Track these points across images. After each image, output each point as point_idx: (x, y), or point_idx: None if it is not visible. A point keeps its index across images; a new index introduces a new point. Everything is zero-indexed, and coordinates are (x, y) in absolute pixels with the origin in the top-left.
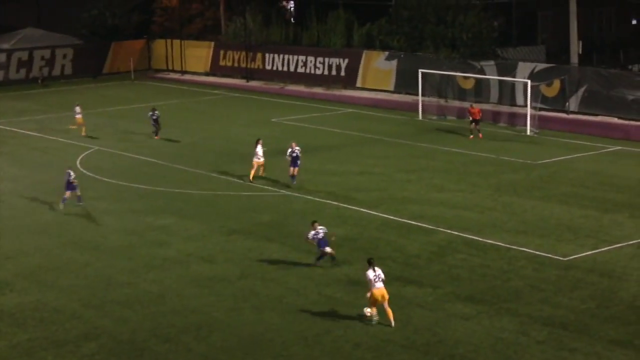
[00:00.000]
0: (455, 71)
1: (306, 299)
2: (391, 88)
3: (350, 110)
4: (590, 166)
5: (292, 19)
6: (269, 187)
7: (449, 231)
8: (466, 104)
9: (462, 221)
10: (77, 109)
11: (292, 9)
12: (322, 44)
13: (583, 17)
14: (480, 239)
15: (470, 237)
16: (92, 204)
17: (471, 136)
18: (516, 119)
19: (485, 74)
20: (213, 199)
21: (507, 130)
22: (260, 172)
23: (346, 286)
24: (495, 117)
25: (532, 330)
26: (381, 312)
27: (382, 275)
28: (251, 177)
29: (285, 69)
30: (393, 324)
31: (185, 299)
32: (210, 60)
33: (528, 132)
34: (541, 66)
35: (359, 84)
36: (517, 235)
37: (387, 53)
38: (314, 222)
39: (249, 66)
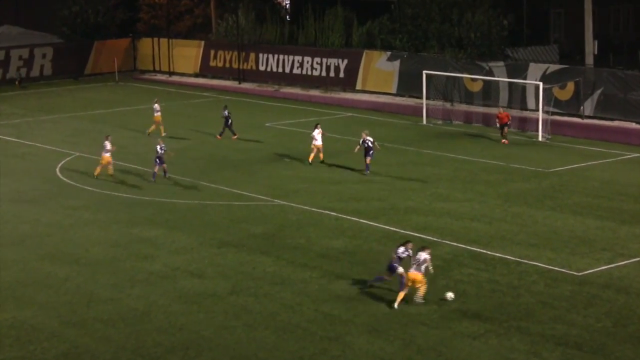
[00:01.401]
0: (462, 73)
1: (302, 316)
2: (393, 90)
3: (350, 114)
4: (606, 174)
5: (287, 17)
6: (263, 197)
7: (455, 244)
8: (473, 108)
9: (469, 233)
10: (157, 106)
11: (287, 6)
12: (320, 43)
13: (598, 15)
14: (489, 252)
15: (478, 250)
16: (73, 213)
17: (503, 140)
18: (527, 124)
19: (494, 76)
20: (202, 209)
21: (518, 136)
22: (320, 157)
23: (345, 302)
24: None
25: (544, 351)
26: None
27: (423, 258)
28: (310, 160)
29: (280, 70)
30: (417, 299)
31: (172, 316)
32: (199, 61)
33: (540, 138)
34: (554, 67)
35: (358, 86)
36: (527, 249)
37: (389, 53)
38: (407, 242)
39: (241, 67)
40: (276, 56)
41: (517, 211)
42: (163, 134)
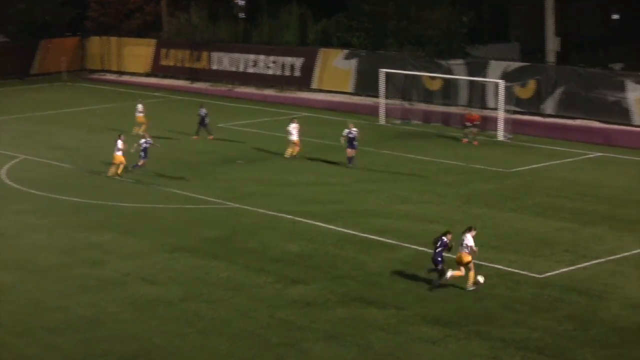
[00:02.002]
0: (421, 71)
1: (256, 322)
2: (350, 89)
3: (306, 114)
4: (568, 174)
5: (241, 15)
6: (216, 200)
7: (414, 247)
8: (432, 107)
9: (429, 235)
10: (140, 106)
11: (241, 3)
12: (275, 41)
13: (560, 12)
14: (449, 255)
15: None
16: (19, 219)
17: (465, 141)
18: (488, 123)
19: (453, 74)
20: (154, 213)
21: (478, 136)
22: (294, 152)
23: (301, 308)
24: (465, 120)
25: (505, 355)
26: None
27: (469, 243)
28: (287, 155)
29: (233, 69)
30: (469, 286)
31: (122, 323)
32: (151, 60)
33: (500, 138)
34: (515, 65)
35: (314, 85)
36: (488, 251)
37: (345, 51)
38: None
39: (193, 66)
40: (230, 55)
41: (478, 213)
42: (134, 133)
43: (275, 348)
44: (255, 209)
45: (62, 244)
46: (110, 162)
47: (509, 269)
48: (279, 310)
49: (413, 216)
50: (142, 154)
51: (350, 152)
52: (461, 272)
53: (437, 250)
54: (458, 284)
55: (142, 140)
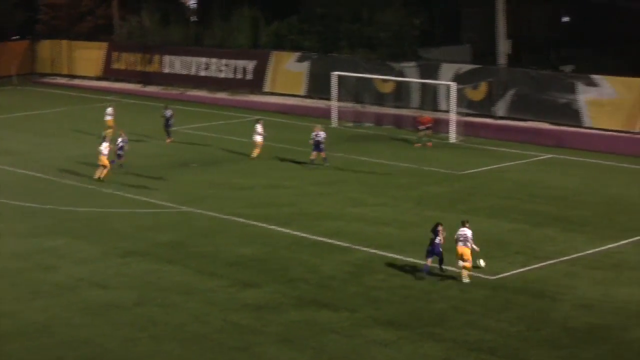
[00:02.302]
0: (373, 74)
1: (210, 327)
2: (303, 92)
3: (258, 117)
4: (519, 176)
5: (193, 18)
6: (169, 204)
7: (367, 249)
8: (384, 109)
9: (382, 238)
10: (110, 110)
11: (193, 6)
12: (227, 44)
13: (511, 14)
14: (402, 258)
15: (391, 255)
16: None
17: (420, 144)
18: (440, 126)
19: (405, 77)
20: (107, 218)
21: (425, 137)
22: (256, 152)
23: (254, 311)
24: (417, 123)
25: (458, 357)
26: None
27: (468, 236)
28: (254, 155)
29: (185, 72)
30: (464, 279)
31: (75, 329)
32: (102, 63)
33: (453, 140)
34: (466, 67)
35: (267, 88)
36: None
37: (298, 54)
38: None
39: (145, 69)
40: (181, 58)
41: (430, 215)
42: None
43: (229, 352)
44: (208, 213)
45: (14, 250)
46: (64, 167)
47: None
48: (233, 314)
49: (366, 219)
50: (120, 152)
51: (314, 154)
52: (467, 264)
53: (437, 242)
54: (410, 285)
55: (119, 139)
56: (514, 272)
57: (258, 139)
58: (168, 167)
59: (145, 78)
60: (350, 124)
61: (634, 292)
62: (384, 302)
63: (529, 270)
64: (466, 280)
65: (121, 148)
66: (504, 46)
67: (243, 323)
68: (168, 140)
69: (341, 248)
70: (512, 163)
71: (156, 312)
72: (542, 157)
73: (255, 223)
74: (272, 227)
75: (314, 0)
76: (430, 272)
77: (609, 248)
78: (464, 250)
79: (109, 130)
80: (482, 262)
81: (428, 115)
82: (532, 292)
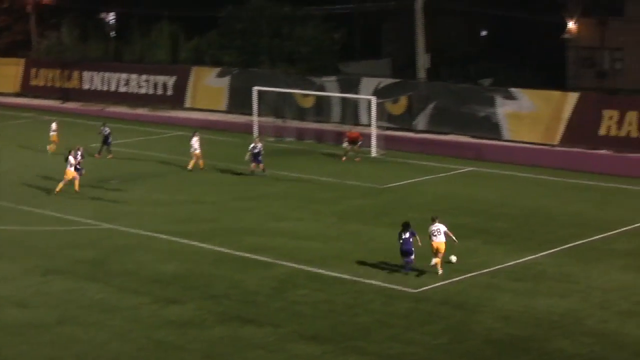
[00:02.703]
0: (294, 88)
1: (133, 344)
2: (224, 108)
3: (179, 132)
4: (441, 189)
5: (112, 33)
6: (90, 221)
7: (290, 264)
8: (305, 124)
9: (304, 253)
10: (54, 125)
11: (112, 22)
12: (147, 60)
13: (430, 29)
14: (324, 272)
15: (314, 270)
16: None
17: (345, 158)
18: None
19: (326, 91)
20: (26, 236)
21: (352, 152)
22: (200, 165)
23: (178, 328)
24: (338, 137)
25: None
26: None
27: (442, 230)
28: (190, 167)
29: (105, 88)
30: (439, 272)
31: None
32: (20, 80)
33: (374, 154)
34: (386, 82)
35: (188, 103)
36: (364, 267)
37: (218, 69)
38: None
39: (64, 86)
40: (101, 74)
41: (353, 229)
42: (47, 150)
43: None
44: (129, 230)
45: None
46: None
47: (384, 285)
48: (156, 332)
49: (288, 234)
50: (79, 166)
51: (253, 166)
52: (439, 258)
53: (409, 239)
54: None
55: (78, 153)
56: (437, 284)
57: (194, 151)
58: (87, 184)
59: (65, 94)
60: (272, 139)
61: (554, 303)
62: (308, 317)
63: (451, 282)
64: (440, 271)
65: (79, 163)
66: (423, 60)
67: (167, 340)
68: (109, 156)
69: (264, 263)
70: (433, 176)
71: (78, 330)
72: (462, 170)
73: (177, 239)
74: (194, 243)
75: (234, 15)
76: (412, 268)
77: (529, 259)
78: (439, 244)
79: (52, 146)
80: (453, 258)
81: (356, 130)
82: (455, 305)
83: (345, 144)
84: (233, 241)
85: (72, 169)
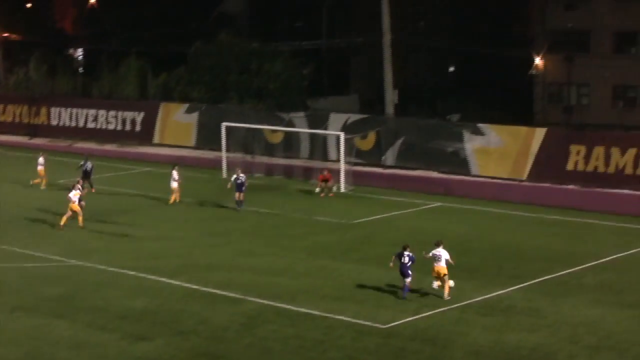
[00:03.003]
0: (262, 124)
1: None
2: (192, 144)
3: (148, 168)
4: (409, 224)
5: (80, 69)
6: (57, 257)
7: (259, 300)
8: (274, 160)
9: (274, 288)
10: (41, 159)
11: (80, 57)
12: (115, 96)
13: (398, 64)
14: (294, 308)
15: (283, 305)
16: None
17: (322, 194)
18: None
19: (294, 127)
20: None
21: (326, 189)
22: (177, 198)
23: None
24: (307, 173)
25: None
26: None
27: (445, 256)
28: (171, 201)
29: (73, 124)
30: (445, 296)
31: None
32: None
33: (343, 189)
34: (355, 117)
35: (156, 139)
36: (333, 302)
37: (187, 105)
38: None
39: (32, 121)
40: (69, 110)
41: (322, 264)
42: (42, 187)
43: None
44: (97, 266)
45: None
46: None
47: (354, 320)
48: None
49: (257, 269)
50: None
51: (238, 195)
52: (440, 282)
53: (407, 264)
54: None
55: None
56: (406, 319)
57: (174, 185)
58: (56, 220)
59: (32, 130)
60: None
61: (523, 338)
62: (277, 353)
63: (420, 317)
64: (448, 297)
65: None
66: (391, 96)
67: None
68: (93, 190)
69: (233, 299)
70: (402, 211)
71: None
72: (431, 205)
73: (145, 275)
74: (163, 279)
75: (202, 51)
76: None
77: (498, 294)
78: (440, 268)
79: (37, 180)
80: (451, 283)
81: (327, 170)
82: (425, 340)
83: (317, 189)
84: (202, 277)
85: (76, 202)
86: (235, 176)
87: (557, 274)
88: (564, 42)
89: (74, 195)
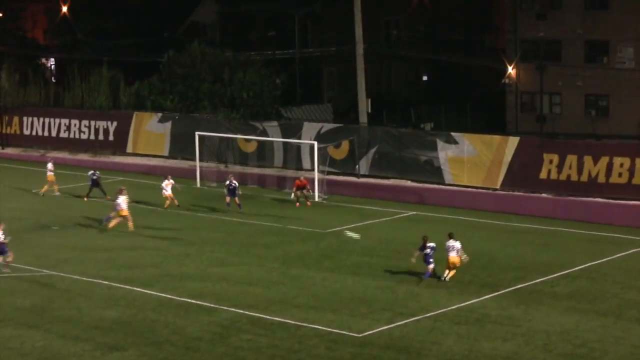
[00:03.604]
0: (236, 133)
1: None
2: (165, 153)
3: (121, 178)
4: (383, 233)
5: (52, 78)
6: (30, 267)
7: (232, 309)
8: (248, 169)
9: (247, 297)
10: (50, 165)
11: (52, 67)
12: (87, 105)
13: (371, 73)
14: (268, 317)
15: (257, 315)
16: None
17: (297, 203)
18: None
19: (268, 136)
20: None
21: (302, 198)
22: (175, 203)
23: None
24: (281, 182)
25: None
26: None
27: (457, 247)
28: (165, 207)
29: (46, 133)
30: (446, 279)
31: None
32: None
33: (316, 198)
34: (328, 126)
35: (129, 149)
36: (307, 311)
37: (159, 114)
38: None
39: (4, 131)
40: (41, 119)
41: (296, 273)
42: (56, 193)
43: None
44: (70, 276)
45: None
46: None
47: (328, 329)
48: None
49: (230, 279)
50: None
51: (228, 199)
52: (453, 272)
53: (430, 253)
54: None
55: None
56: (380, 329)
57: (165, 192)
58: (29, 230)
59: (4, 140)
60: (214, 184)
61: (497, 346)
62: None
63: (395, 326)
64: (448, 279)
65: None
66: (364, 105)
67: None
68: (107, 198)
69: (207, 308)
70: (376, 220)
71: None
72: (405, 214)
73: (118, 285)
74: (136, 288)
75: (175, 61)
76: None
77: (472, 303)
78: (454, 259)
79: (46, 187)
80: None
81: (303, 177)
82: (399, 349)
83: (292, 195)
84: (175, 286)
85: (125, 206)
86: (227, 182)
87: (530, 283)
88: (536, 52)
89: (123, 201)
